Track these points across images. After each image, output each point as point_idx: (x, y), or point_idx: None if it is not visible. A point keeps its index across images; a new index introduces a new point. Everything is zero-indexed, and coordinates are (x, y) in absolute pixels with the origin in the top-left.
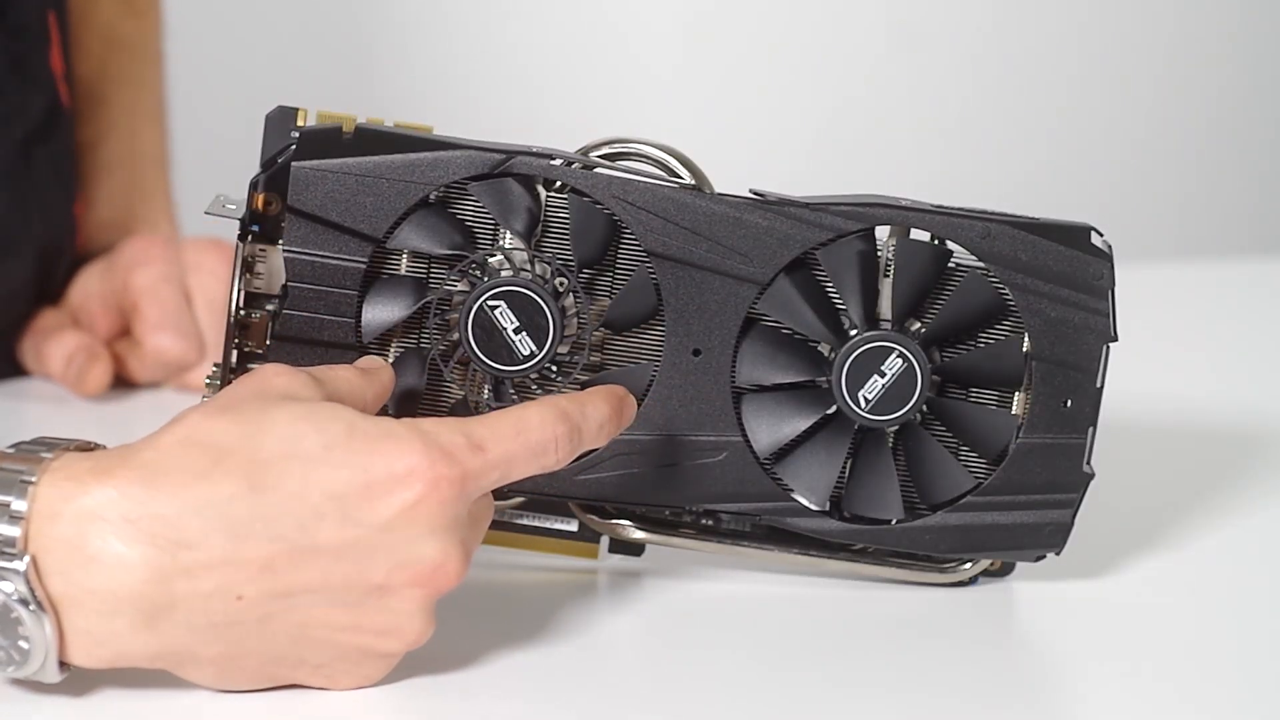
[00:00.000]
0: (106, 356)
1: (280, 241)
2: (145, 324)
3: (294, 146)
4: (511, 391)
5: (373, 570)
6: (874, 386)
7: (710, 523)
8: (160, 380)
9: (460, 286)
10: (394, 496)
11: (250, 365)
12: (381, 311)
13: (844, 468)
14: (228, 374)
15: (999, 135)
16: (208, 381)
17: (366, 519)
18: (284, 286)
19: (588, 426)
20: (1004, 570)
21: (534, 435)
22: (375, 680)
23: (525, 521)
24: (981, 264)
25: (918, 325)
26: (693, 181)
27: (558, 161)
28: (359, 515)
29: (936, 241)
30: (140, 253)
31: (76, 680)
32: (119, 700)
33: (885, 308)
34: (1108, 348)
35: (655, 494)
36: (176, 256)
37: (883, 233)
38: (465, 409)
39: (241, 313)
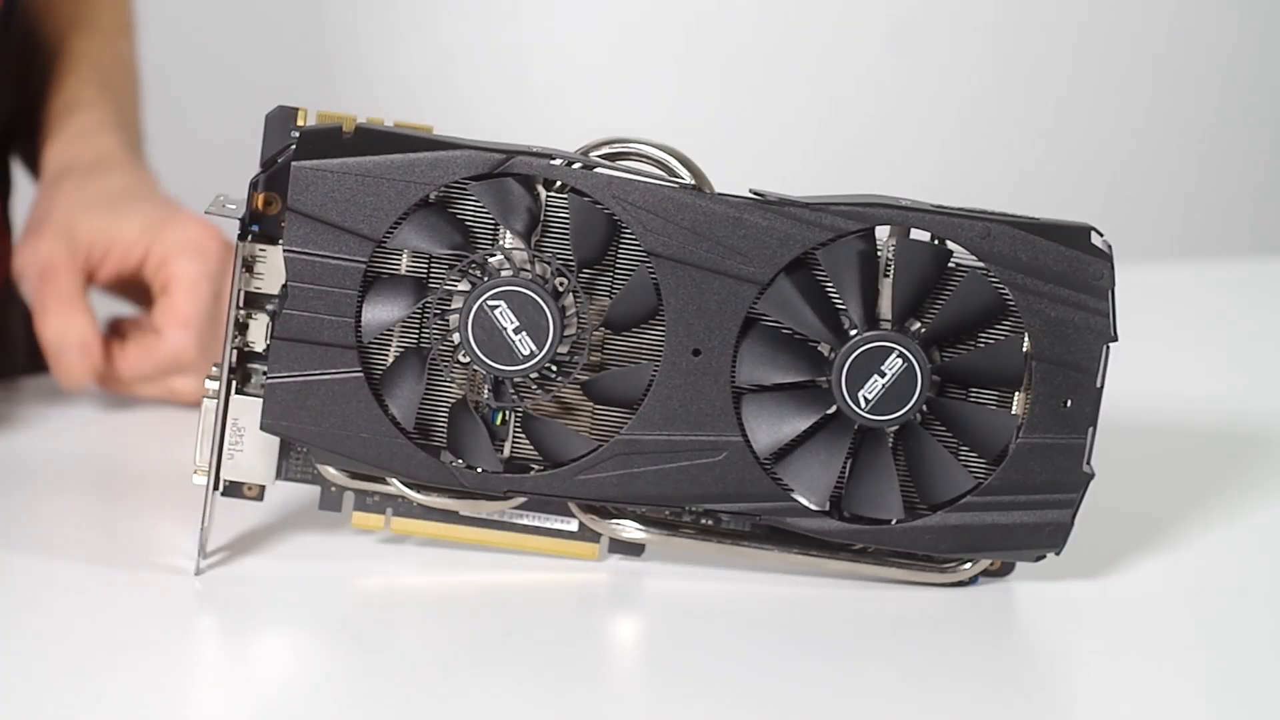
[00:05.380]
0: (98, 355)
1: (280, 241)
2: (172, 314)
3: (294, 146)
4: (511, 391)
5: None
6: (874, 386)
7: (710, 523)
8: (148, 374)
9: (460, 286)
10: None
11: (250, 365)
12: (381, 311)
13: (844, 468)
14: (228, 374)
15: (999, 135)
16: (209, 380)
17: None
18: (284, 286)
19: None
20: (1004, 570)
21: None
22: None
23: (525, 521)
24: (981, 264)
25: (918, 325)
26: (693, 181)
27: (558, 161)
28: None
29: (936, 241)
30: (195, 240)
31: None
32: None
33: (885, 308)
34: (1108, 348)
35: (655, 494)
36: (228, 257)
37: (883, 233)
38: (466, 409)
39: (241, 313)
